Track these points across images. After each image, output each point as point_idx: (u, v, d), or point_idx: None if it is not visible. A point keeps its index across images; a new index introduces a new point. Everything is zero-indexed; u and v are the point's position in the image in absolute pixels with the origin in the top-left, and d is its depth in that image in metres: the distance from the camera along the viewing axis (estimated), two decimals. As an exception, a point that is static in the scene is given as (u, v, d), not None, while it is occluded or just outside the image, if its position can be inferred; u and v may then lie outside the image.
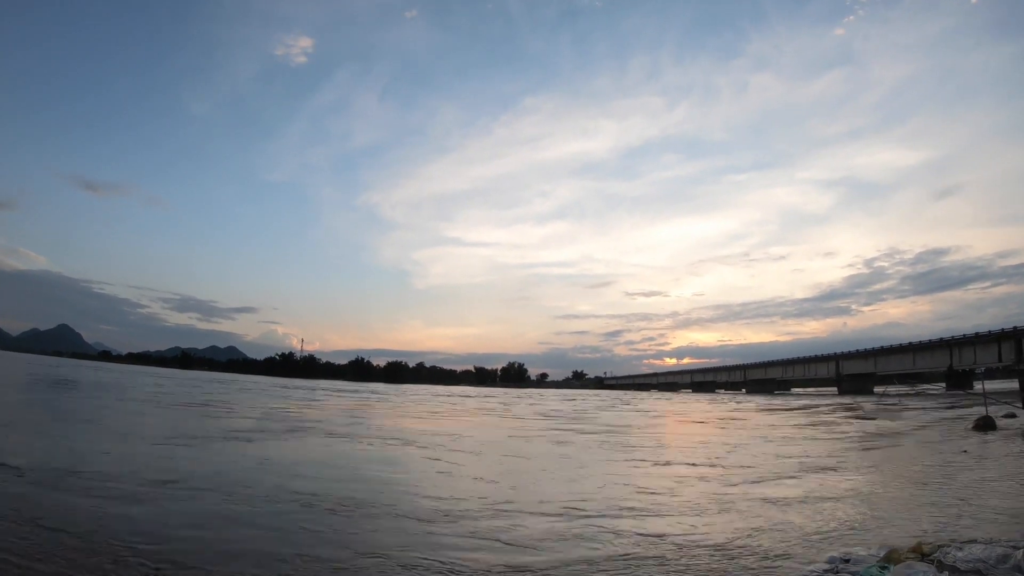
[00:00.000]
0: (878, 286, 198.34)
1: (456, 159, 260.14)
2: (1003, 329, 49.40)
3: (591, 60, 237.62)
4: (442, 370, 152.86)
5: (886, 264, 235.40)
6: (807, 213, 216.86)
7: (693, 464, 9.69)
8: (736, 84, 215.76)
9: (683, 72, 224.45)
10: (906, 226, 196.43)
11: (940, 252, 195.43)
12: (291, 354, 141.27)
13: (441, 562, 4.02)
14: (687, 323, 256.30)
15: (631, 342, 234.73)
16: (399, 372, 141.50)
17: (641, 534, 4.90)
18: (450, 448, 11.03)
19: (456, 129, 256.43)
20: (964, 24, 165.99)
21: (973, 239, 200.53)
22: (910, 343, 61.84)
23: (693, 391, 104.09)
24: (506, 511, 5.65)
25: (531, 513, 5.61)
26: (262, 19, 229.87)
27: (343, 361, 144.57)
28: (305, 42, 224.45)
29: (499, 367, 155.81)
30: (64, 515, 4.72)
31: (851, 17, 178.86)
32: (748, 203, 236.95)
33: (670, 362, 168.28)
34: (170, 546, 4.10)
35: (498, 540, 4.63)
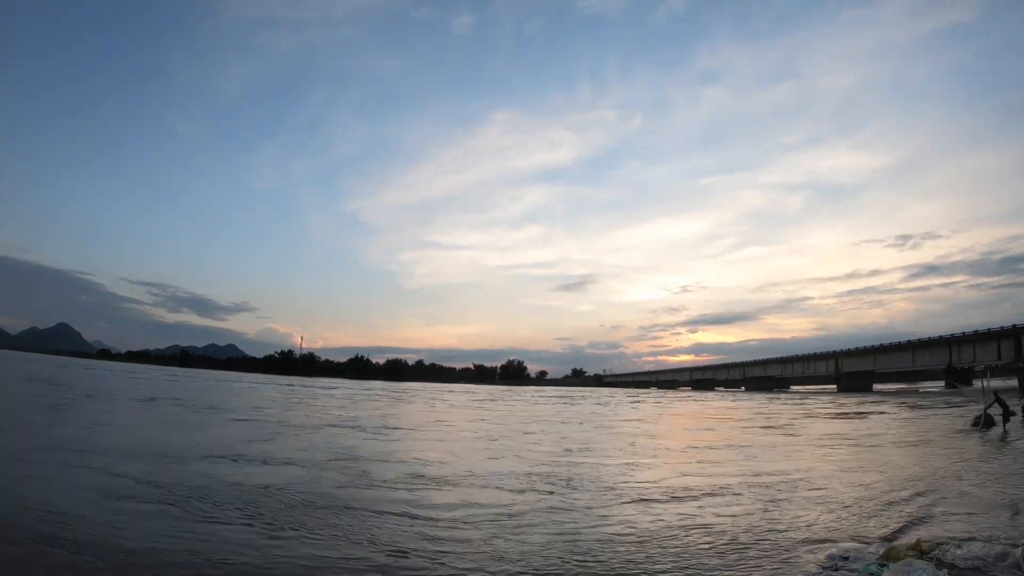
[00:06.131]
0: (867, 283, 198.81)
1: (432, 168, 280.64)
2: (1002, 327, 49.52)
3: (543, 81, 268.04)
4: (441, 368, 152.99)
5: (876, 263, 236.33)
6: (776, 215, 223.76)
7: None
8: (688, 96, 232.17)
9: (631, 87, 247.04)
10: (878, 226, 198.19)
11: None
12: (291, 352, 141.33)
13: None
14: (689, 321, 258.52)
15: (636, 339, 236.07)
16: (398, 370, 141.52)
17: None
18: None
19: (429, 141, 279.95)
20: (904, 34, 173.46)
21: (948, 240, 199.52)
22: (909, 341, 61.89)
23: (692, 389, 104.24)
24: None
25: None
26: (240, 46, 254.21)
27: (343, 359, 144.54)
28: (280, 68, 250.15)
29: (499, 364, 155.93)
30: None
31: (791, 34, 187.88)
32: (717, 205, 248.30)
33: (685, 359, 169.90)
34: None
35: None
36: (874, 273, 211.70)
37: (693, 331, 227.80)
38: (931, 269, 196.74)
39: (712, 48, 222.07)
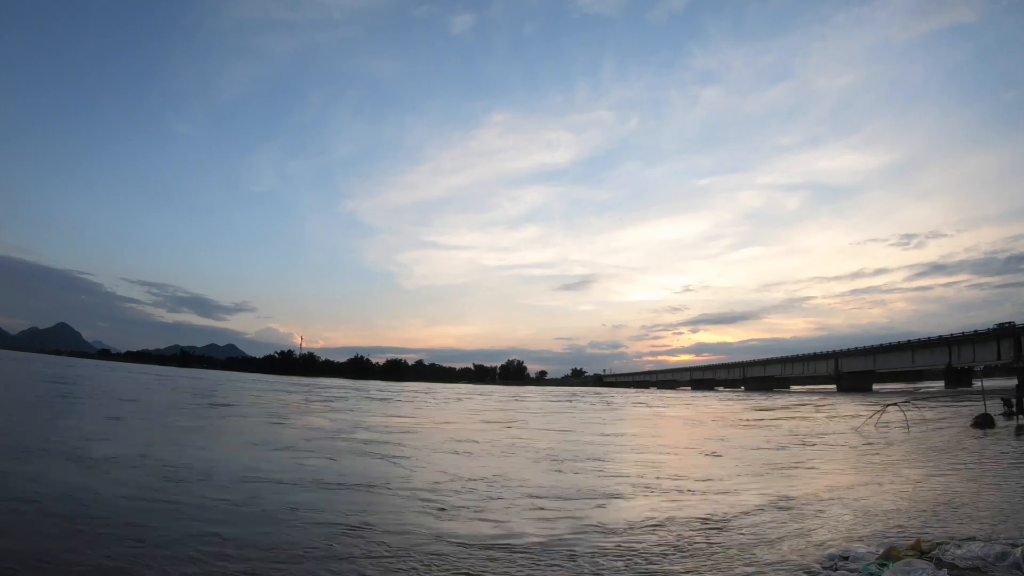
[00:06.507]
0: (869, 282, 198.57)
1: (430, 169, 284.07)
2: (1002, 327, 49.48)
3: (540, 83, 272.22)
4: (441, 368, 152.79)
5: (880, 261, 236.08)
6: (774, 215, 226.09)
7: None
8: (685, 97, 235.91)
9: (628, 88, 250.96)
10: (877, 225, 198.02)
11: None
12: (290, 352, 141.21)
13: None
14: (690, 321, 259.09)
15: (637, 339, 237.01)
16: (398, 370, 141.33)
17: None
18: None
19: (428, 142, 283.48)
20: (901, 35, 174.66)
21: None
22: (909, 341, 61.82)
23: (693, 388, 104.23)
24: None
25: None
26: (239, 48, 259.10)
27: (343, 359, 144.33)
28: (278, 71, 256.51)
29: (499, 364, 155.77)
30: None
31: (787, 35, 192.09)
32: (715, 205, 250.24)
33: (686, 358, 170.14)
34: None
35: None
36: (879, 272, 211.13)
37: (695, 331, 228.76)
38: (937, 268, 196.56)
39: (709, 49, 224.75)
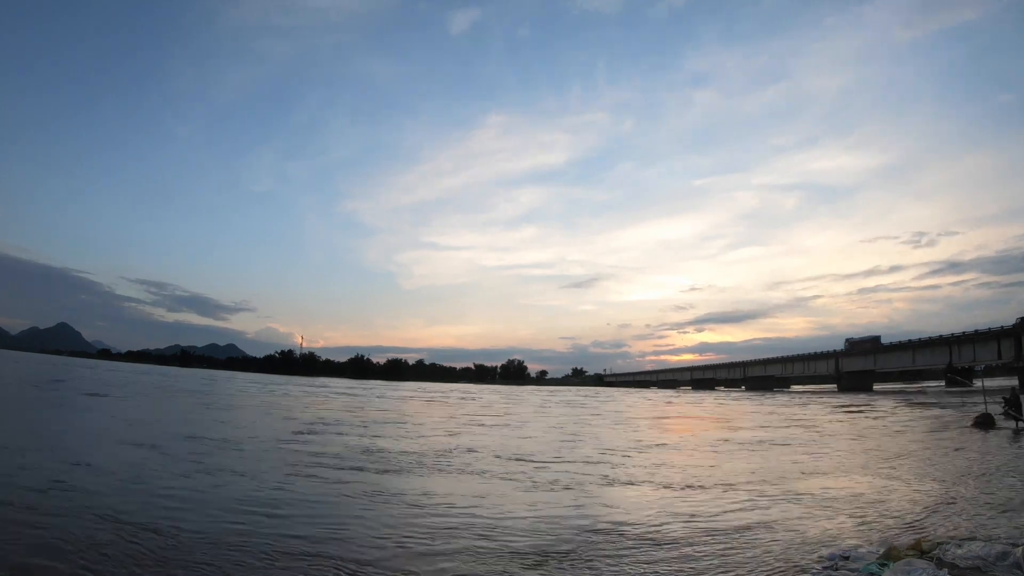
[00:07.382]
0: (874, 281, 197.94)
1: (428, 170, 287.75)
2: (1003, 326, 49.42)
3: (536, 85, 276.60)
4: (442, 367, 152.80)
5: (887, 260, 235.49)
6: (771, 215, 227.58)
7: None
8: (679, 98, 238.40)
9: (622, 90, 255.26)
10: (874, 225, 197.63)
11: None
12: (291, 352, 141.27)
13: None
14: (693, 321, 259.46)
15: (640, 338, 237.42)
16: (398, 370, 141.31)
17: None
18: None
19: (425, 144, 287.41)
20: (893, 37, 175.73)
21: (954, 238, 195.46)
22: (909, 340, 61.74)
23: (693, 388, 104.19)
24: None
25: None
26: (238, 51, 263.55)
27: (343, 358, 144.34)
28: (276, 73, 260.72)
29: (499, 364, 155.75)
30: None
31: (780, 37, 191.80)
32: (713, 206, 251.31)
33: (688, 358, 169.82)
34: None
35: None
36: (894, 269, 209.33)
37: (700, 330, 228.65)
38: (952, 266, 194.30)
39: (702, 51, 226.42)
